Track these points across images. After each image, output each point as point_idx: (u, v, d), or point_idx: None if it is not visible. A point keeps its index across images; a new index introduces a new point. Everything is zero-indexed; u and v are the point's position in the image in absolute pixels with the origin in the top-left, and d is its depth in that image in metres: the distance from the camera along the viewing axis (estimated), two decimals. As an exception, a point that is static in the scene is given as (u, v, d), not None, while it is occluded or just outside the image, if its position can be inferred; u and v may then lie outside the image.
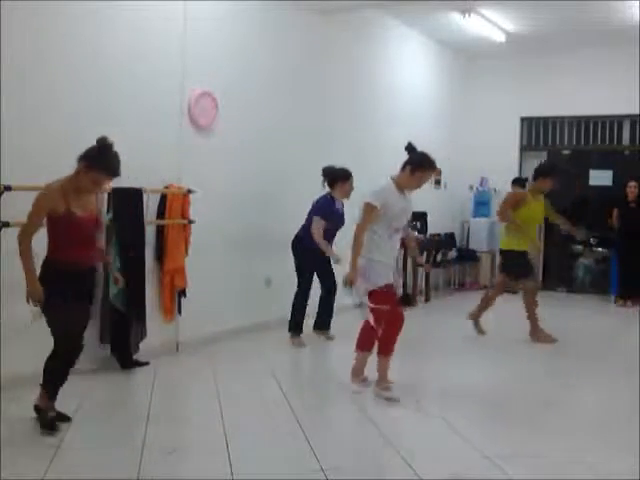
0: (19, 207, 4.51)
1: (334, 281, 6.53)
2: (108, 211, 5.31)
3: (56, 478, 3.39)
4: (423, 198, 9.88)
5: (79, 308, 4.00)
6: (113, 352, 5.37)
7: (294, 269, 6.54)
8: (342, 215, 6.57)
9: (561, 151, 11.14)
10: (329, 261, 6.49)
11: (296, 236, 6.52)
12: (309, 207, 6.60)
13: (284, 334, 6.67)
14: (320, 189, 6.62)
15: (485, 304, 7.19)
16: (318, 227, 6.32)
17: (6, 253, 4.59)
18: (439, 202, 10.59)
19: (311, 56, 7.72)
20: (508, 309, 7.51)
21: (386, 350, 4.95)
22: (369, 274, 4.80)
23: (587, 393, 5.27)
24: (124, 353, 5.40)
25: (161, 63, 5.85)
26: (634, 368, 5.76)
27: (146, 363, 5.49)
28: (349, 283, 4.80)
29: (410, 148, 4.97)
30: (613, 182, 10.59)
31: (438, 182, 10.75)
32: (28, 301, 3.90)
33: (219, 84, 6.37)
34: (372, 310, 4.87)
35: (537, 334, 6.93)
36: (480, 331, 7.08)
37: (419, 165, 4.86)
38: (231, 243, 6.66)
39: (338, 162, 6.76)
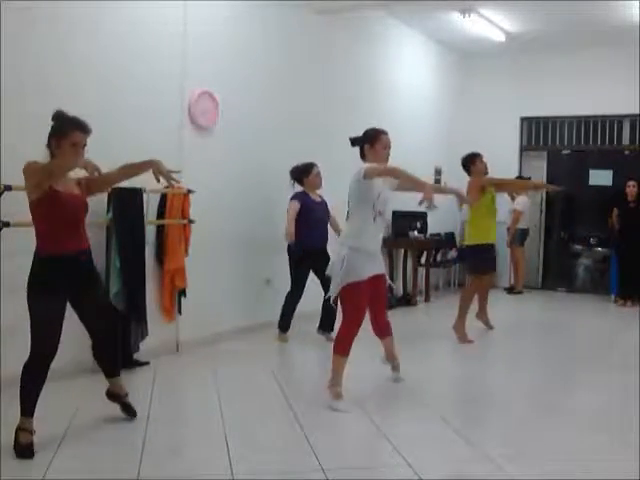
0: (19, 207, 4.51)
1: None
2: (108, 211, 5.32)
3: (56, 478, 3.39)
4: (423, 198, 9.92)
5: (62, 308, 3.90)
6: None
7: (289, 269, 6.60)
8: (325, 207, 6.68)
9: (561, 151, 11.15)
10: (326, 262, 6.55)
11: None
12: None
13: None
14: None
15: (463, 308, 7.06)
16: (291, 209, 6.49)
17: (6, 253, 4.59)
18: (439, 202, 10.56)
19: (311, 56, 7.72)
20: (511, 309, 7.50)
21: (342, 348, 4.72)
22: (352, 265, 4.61)
23: (587, 393, 5.27)
24: (124, 353, 5.39)
25: (161, 63, 5.85)
26: (634, 368, 5.76)
27: (146, 363, 5.49)
28: (428, 198, 4.66)
29: (353, 140, 5.02)
30: (613, 182, 10.60)
31: (438, 182, 10.75)
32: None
33: (219, 84, 6.38)
34: (346, 307, 4.72)
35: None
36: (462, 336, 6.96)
37: (370, 138, 4.93)
38: (231, 243, 6.66)
39: (338, 162, 6.76)
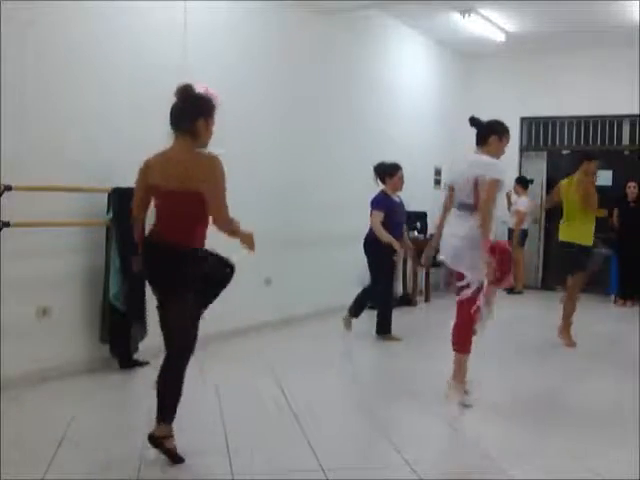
0: (19, 207, 4.52)
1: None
2: (108, 211, 5.31)
3: (56, 478, 3.39)
4: (423, 198, 9.92)
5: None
6: (113, 352, 5.37)
7: (368, 269, 6.79)
8: (403, 208, 6.95)
9: (561, 151, 11.14)
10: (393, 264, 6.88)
11: (366, 237, 6.76)
12: (310, 206, 6.67)
13: (284, 334, 6.68)
14: (365, 188, 6.91)
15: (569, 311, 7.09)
16: (376, 219, 6.66)
17: (6, 253, 4.59)
18: (439, 202, 10.57)
19: (311, 56, 7.72)
20: (511, 309, 7.50)
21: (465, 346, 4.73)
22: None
23: (587, 393, 5.27)
24: (124, 353, 5.40)
25: (161, 64, 5.84)
26: (634, 368, 5.76)
27: (146, 363, 5.48)
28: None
29: (476, 122, 5.03)
30: (613, 182, 10.59)
31: (438, 182, 10.75)
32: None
33: (219, 83, 6.34)
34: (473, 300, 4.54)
35: (567, 334, 6.93)
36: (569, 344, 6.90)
37: (504, 131, 5.01)
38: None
39: (337, 161, 6.78)
